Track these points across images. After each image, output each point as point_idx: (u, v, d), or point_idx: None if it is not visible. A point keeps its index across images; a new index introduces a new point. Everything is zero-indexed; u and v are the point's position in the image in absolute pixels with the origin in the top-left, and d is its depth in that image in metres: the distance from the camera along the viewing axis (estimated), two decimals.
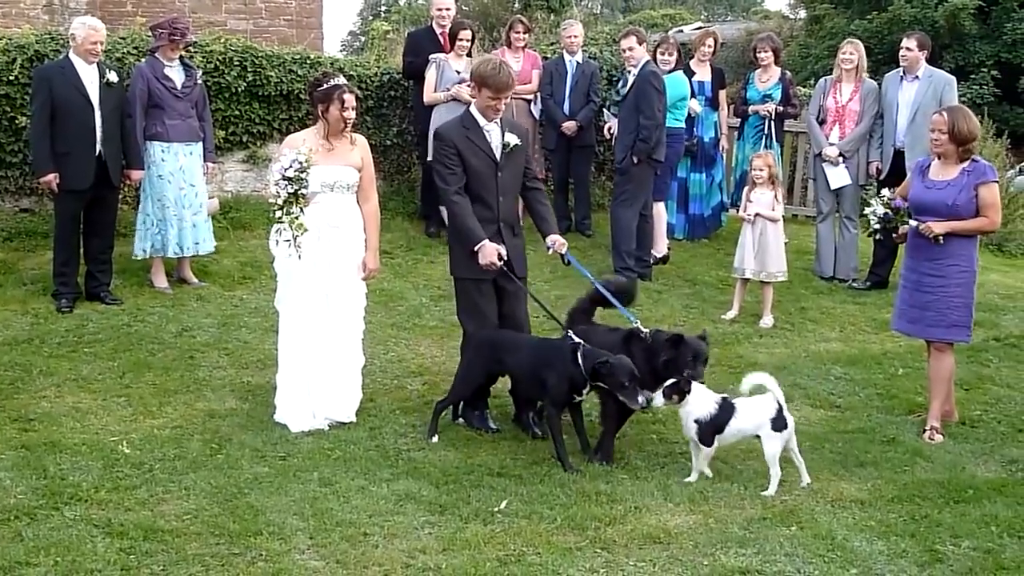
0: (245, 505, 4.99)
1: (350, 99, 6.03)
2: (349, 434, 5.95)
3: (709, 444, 5.44)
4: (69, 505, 4.92)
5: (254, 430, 5.96)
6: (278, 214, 5.84)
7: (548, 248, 6.09)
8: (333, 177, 6.04)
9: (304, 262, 5.94)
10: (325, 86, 6.05)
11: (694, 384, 5.49)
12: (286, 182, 5.75)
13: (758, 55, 10.48)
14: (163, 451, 5.62)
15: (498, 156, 6.01)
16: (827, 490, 5.41)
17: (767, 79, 10.43)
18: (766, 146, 10.04)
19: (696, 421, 5.43)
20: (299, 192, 5.80)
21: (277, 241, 5.96)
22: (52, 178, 7.81)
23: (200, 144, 8.54)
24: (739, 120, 10.80)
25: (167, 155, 8.31)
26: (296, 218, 5.80)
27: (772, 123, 10.27)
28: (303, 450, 5.70)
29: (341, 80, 6.12)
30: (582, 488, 5.27)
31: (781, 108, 10.30)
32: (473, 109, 6.06)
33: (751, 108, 10.42)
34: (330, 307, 6.10)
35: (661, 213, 10.16)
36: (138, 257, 8.51)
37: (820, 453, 5.92)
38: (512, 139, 6.03)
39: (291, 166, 5.75)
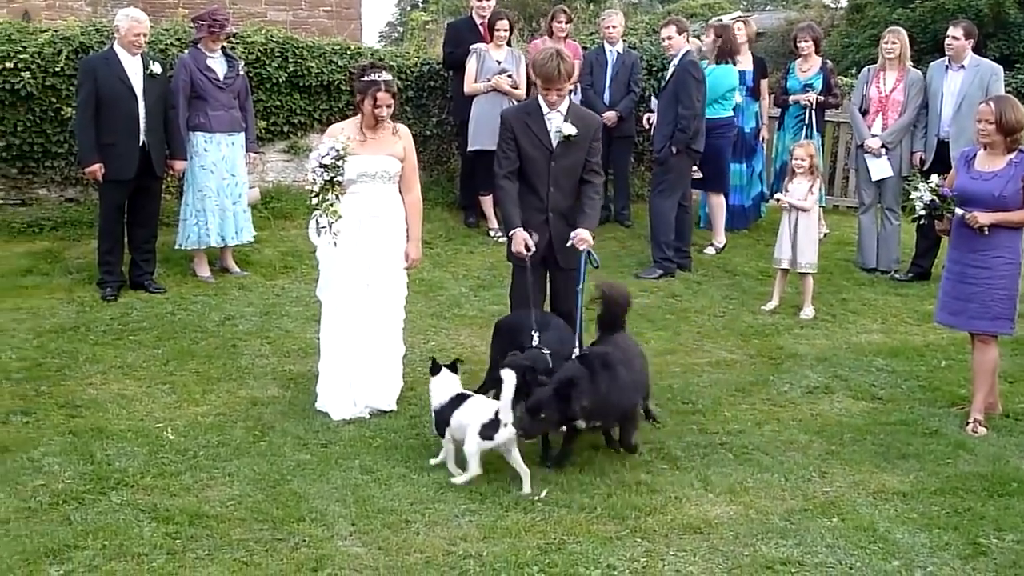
0: (288, 492, 5.05)
1: (383, 97, 5.96)
2: (390, 422, 5.99)
3: (441, 435, 5.35)
4: (116, 490, 5.00)
5: (296, 418, 6.02)
6: (314, 201, 5.85)
7: (569, 241, 5.98)
8: (374, 167, 6.05)
9: (345, 251, 5.96)
10: (364, 79, 6.04)
11: (443, 372, 5.50)
12: (322, 169, 5.77)
13: (799, 44, 10.40)
14: (207, 438, 5.69)
15: (553, 145, 6.00)
16: (869, 482, 5.37)
17: (808, 68, 10.35)
18: (807, 136, 9.97)
19: (433, 410, 5.43)
20: (335, 180, 5.80)
21: (318, 231, 5.95)
22: (97, 168, 7.91)
23: (242, 134, 8.62)
24: (779, 110, 10.72)
25: (210, 145, 8.40)
26: (331, 205, 5.81)
27: (813, 113, 10.18)
28: (344, 438, 5.74)
29: (383, 76, 5.99)
30: (622, 478, 5.27)
31: (822, 98, 10.22)
32: (539, 96, 6.08)
33: (792, 98, 10.34)
34: (371, 296, 6.11)
35: (721, 204, 10.12)
36: (181, 248, 8.62)
37: (862, 445, 5.87)
38: (569, 130, 5.94)
39: (328, 154, 5.76)
